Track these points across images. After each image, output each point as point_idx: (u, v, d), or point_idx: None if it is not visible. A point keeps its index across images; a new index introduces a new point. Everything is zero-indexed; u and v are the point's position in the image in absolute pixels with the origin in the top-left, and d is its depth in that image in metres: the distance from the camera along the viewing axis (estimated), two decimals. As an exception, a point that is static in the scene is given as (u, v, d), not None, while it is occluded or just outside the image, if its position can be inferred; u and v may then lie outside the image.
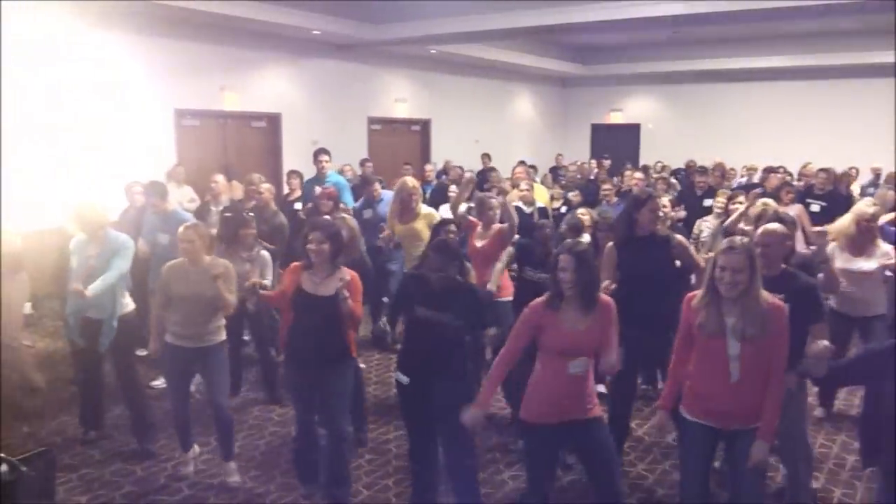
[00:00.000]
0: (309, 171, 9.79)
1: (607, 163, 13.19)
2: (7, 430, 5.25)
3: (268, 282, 5.47)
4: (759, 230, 3.98)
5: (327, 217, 5.77)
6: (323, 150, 8.33)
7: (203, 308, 4.45)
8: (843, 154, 12.64)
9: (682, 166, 13.71)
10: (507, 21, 9.75)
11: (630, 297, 3.96)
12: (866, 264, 5.01)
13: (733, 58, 14.64)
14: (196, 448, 4.86)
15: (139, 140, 9.32)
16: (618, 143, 17.27)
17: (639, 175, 9.36)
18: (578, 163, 12.13)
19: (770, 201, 5.85)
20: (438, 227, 5.48)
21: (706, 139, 15.84)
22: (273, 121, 11.29)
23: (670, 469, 4.80)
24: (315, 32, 10.49)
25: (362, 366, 5.86)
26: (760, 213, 4.59)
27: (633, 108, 17.66)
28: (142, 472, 4.74)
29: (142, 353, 6.26)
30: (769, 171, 10.46)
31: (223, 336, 4.62)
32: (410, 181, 6.56)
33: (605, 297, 3.52)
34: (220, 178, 7.58)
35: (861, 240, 5.03)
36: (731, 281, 3.12)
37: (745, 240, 3.29)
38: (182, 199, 8.79)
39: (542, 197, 8.43)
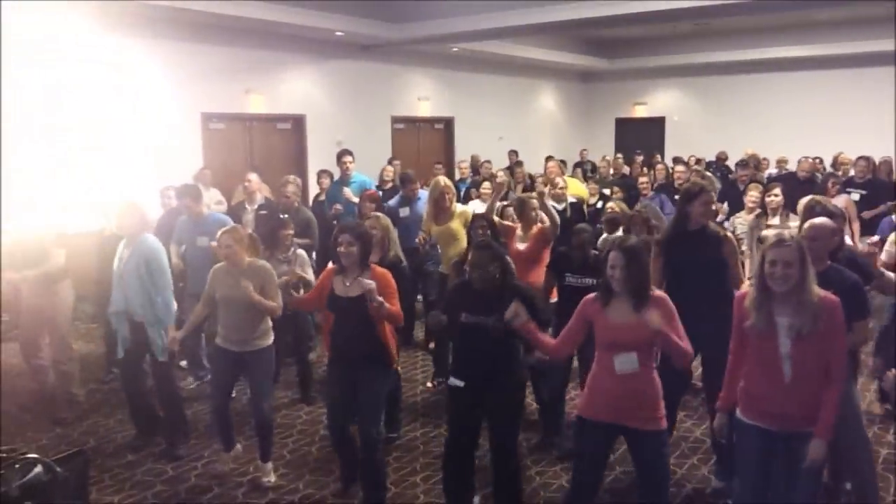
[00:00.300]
0: (336, 173, 9.88)
1: (640, 158, 13.10)
2: (41, 431, 5.36)
3: (310, 277, 5.59)
4: (807, 224, 3.88)
5: (376, 218, 5.76)
6: (346, 152, 8.36)
7: (246, 311, 4.49)
8: (871, 144, 12.43)
9: (714, 159, 13.56)
10: (529, 17, 9.72)
11: (679, 293, 3.74)
12: None
13: (757, 48, 14.47)
14: (238, 447, 4.92)
15: (166, 144, 9.42)
16: (643, 136, 17.12)
17: (681, 168, 9.14)
18: (608, 158, 11.93)
19: (819, 197, 5.75)
20: (471, 226, 5.43)
21: (732, 131, 15.64)
22: (298, 122, 11.37)
23: (698, 463, 4.80)
24: (338, 34, 10.54)
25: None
26: (808, 205, 4.50)
27: (657, 102, 17.51)
28: (172, 471, 4.81)
29: (182, 362, 6.41)
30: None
31: (270, 340, 4.65)
32: (443, 180, 6.48)
33: (658, 292, 3.44)
34: (253, 177, 7.58)
35: None
36: (782, 275, 3.02)
37: (795, 232, 3.21)
38: (209, 201, 8.86)
39: (577, 190, 8.27)
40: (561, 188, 7.42)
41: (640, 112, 17.74)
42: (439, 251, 6.54)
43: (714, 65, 15.56)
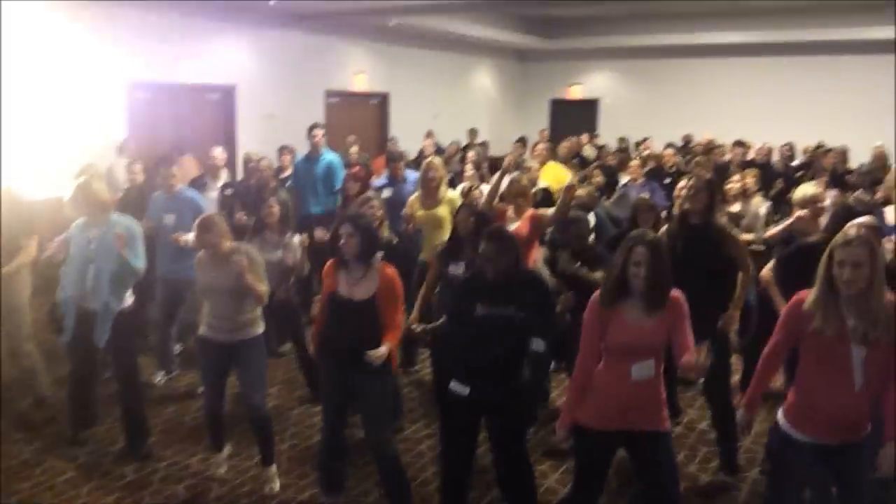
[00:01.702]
0: (260, 145, 9.58)
1: (598, 140, 13.12)
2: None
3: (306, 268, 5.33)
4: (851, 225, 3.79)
5: (367, 199, 5.47)
6: (316, 125, 7.86)
7: (230, 298, 4.21)
8: (800, 130, 12.81)
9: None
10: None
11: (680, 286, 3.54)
12: None
13: (694, 33, 14.60)
14: (228, 448, 4.63)
15: (88, 112, 8.95)
16: (576, 118, 17.19)
17: (670, 151, 9.08)
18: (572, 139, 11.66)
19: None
20: (456, 214, 5.04)
21: (664, 114, 15.86)
22: (228, 93, 10.96)
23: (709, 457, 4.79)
24: (272, 2, 10.17)
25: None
26: (843, 207, 4.47)
27: (592, 83, 17.60)
28: (133, 474, 4.54)
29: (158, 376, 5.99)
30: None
31: (260, 329, 4.37)
32: (436, 161, 6.17)
33: (675, 292, 3.18)
34: (217, 152, 7.09)
35: None
36: (851, 277, 2.80)
37: (865, 230, 2.97)
38: (130, 173, 8.46)
39: (561, 176, 7.71)
40: (535, 169, 7.23)
41: (575, 93, 17.81)
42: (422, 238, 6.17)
43: (648, 48, 15.69)
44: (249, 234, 5.35)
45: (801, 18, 13.43)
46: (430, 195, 6.01)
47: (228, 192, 6.69)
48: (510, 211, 5.47)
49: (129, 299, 4.66)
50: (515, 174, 5.87)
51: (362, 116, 13.72)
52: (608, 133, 15.50)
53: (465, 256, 4.71)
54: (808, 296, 2.96)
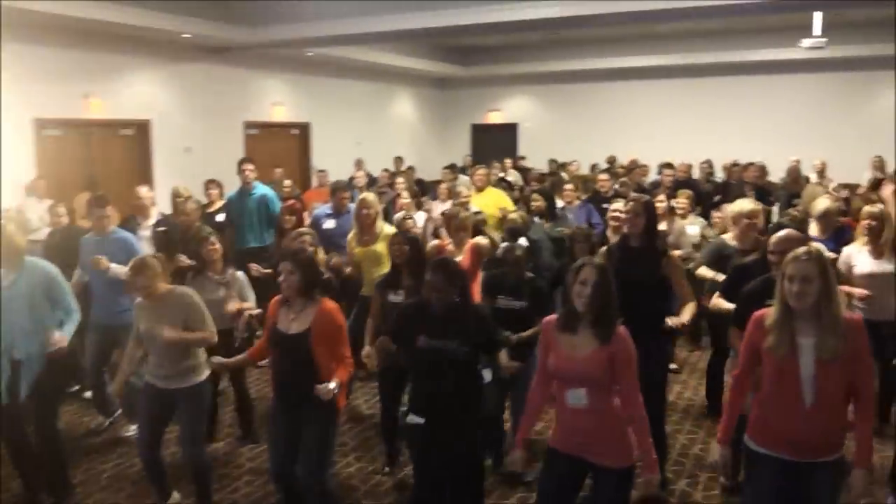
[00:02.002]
0: (179, 180, 9.37)
1: (524, 163, 13.21)
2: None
3: (251, 305, 5.08)
4: (773, 237, 3.93)
5: (300, 234, 5.37)
6: (247, 159, 7.77)
7: (168, 345, 4.05)
8: (711, 148, 13.30)
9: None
10: (383, 25, 9.61)
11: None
12: (888, 265, 5.07)
13: (607, 58, 15.09)
14: (176, 495, 4.40)
15: (-7, 152, 8.62)
16: (497, 142, 17.46)
17: (604, 176, 9.09)
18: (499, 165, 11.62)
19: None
20: (390, 244, 4.98)
21: (584, 136, 16.24)
22: (142, 128, 10.72)
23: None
24: (185, 36, 10.03)
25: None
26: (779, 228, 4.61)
27: (511, 108, 17.92)
28: None
29: (87, 395, 5.88)
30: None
31: (203, 375, 4.20)
32: (370, 197, 6.08)
33: (622, 328, 3.13)
34: (144, 191, 6.84)
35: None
36: (800, 291, 2.83)
37: (815, 246, 3.03)
38: (42, 213, 8.17)
39: (502, 202, 7.75)
40: (465, 197, 7.24)
41: (495, 118, 18.09)
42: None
43: (563, 73, 16.08)
44: (191, 273, 5.20)
45: (709, 42, 14.05)
46: (367, 231, 5.93)
47: (162, 228, 6.49)
48: (450, 245, 5.48)
49: (61, 341, 4.34)
50: (455, 208, 5.87)
51: (284, 147, 13.60)
52: (529, 156, 15.76)
53: (404, 284, 4.72)
54: (768, 314, 2.99)
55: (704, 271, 5.38)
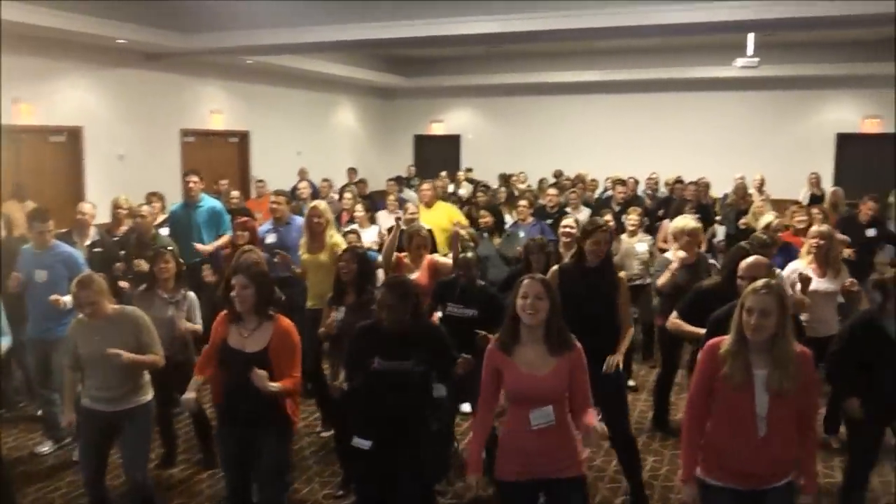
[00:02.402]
0: (112, 188, 9.14)
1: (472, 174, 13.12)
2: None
3: (198, 326, 4.91)
4: (743, 264, 3.97)
5: (244, 252, 5.20)
6: (192, 171, 7.49)
7: (115, 367, 3.87)
8: (647, 163, 13.52)
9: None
10: (325, 34, 9.54)
11: (572, 326, 3.38)
12: (832, 284, 5.22)
13: (548, 72, 15.27)
14: None
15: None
16: (440, 153, 17.52)
17: (553, 191, 9.03)
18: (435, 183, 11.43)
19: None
20: (338, 259, 4.87)
21: (527, 149, 16.41)
22: (73, 135, 10.38)
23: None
24: (120, 41, 9.76)
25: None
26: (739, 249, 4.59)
27: (454, 119, 17.98)
28: None
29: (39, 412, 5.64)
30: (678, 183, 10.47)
31: (148, 395, 4.06)
32: (322, 205, 6.00)
33: (576, 342, 3.15)
34: (87, 207, 6.53)
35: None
36: (757, 325, 2.84)
37: (774, 279, 3.04)
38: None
39: (449, 216, 7.62)
40: (412, 213, 7.17)
41: (437, 129, 18.12)
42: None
43: (506, 86, 16.20)
44: (139, 291, 5.01)
45: (648, 58, 14.38)
46: (316, 239, 5.87)
47: (97, 250, 6.24)
48: (407, 260, 5.44)
49: None
50: (415, 225, 5.83)
51: (222, 155, 13.34)
52: (470, 166, 15.81)
53: (345, 301, 4.65)
54: (723, 342, 2.98)
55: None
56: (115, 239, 6.87)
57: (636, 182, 11.52)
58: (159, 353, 4.07)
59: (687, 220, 5.66)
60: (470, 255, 4.83)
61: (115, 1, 9.12)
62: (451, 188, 12.86)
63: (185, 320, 4.93)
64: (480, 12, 8.73)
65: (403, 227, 6.84)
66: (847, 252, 6.33)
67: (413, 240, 5.50)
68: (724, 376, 2.93)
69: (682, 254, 5.47)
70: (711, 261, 6.89)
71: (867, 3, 7.45)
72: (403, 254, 5.60)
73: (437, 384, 3.58)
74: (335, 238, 5.97)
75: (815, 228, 5.51)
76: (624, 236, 7.19)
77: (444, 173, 13.32)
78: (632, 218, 7.27)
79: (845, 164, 14.73)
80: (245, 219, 6.62)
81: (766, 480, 2.96)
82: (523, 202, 7.89)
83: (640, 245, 7.11)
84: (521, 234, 7.30)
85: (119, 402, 3.98)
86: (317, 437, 5.75)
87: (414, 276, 5.31)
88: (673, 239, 5.64)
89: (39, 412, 5.83)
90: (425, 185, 8.25)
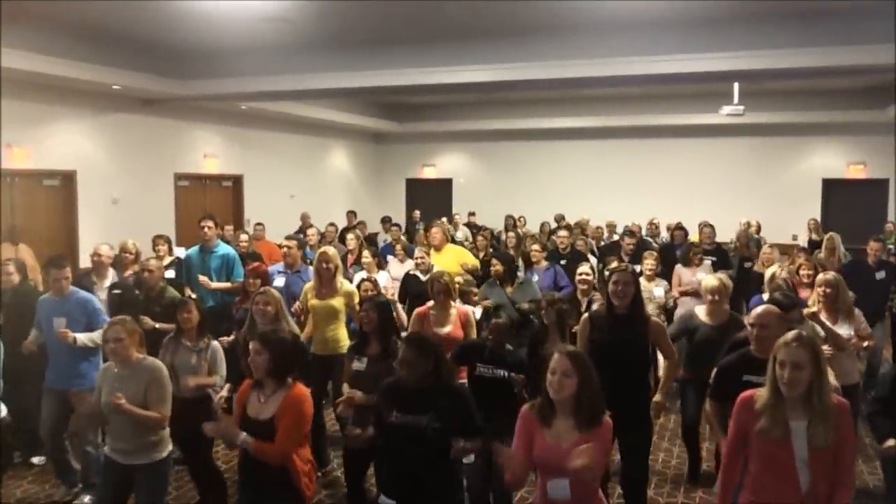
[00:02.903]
0: (105, 231, 9.18)
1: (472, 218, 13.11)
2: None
3: (219, 379, 4.77)
4: (753, 313, 3.88)
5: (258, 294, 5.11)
6: (208, 216, 7.46)
7: (127, 418, 3.84)
8: (637, 207, 13.72)
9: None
10: (319, 82, 9.70)
11: (603, 375, 3.27)
12: (845, 329, 5.17)
13: (538, 118, 15.53)
14: None
15: None
16: (432, 196, 17.67)
17: (563, 233, 8.97)
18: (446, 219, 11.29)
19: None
20: (361, 312, 4.80)
21: (514, 193, 16.60)
22: (67, 178, 10.45)
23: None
24: (116, 87, 9.89)
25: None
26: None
27: (444, 164, 18.18)
28: None
29: (38, 460, 5.66)
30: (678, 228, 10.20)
31: (165, 452, 4.00)
32: (331, 251, 5.98)
33: (607, 420, 3.02)
34: (105, 249, 6.52)
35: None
36: (791, 379, 2.79)
37: (808, 332, 2.99)
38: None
39: (460, 258, 7.54)
40: (420, 258, 7.14)
41: (429, 173, 18.29)
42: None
43: (497, 131, 16.44)
44: (167, 338, 4.97)
45: (635, 106, 14.64)
46: (326, 285, 5.83)
47: (116, 292, 6.20)
48: (433, 311, 5.34)
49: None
50: (439, 272, 5.74)
51: (216, 199, 13.42)
52: (464, 211, 15.93)
53: (368, 352, 4.62)
54: (758, 395, 2.94)
55: None
56: (131, 281, 6.79)
57: (639, 228, 11.66)
58: (164, 414, 3.98)
59: (709, 279, 5.51)
60: (502, 320, 4.71)
61: (112, 47, 9.28)
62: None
63: (205, 371, 4.82)
64: (472, 62, 8.93)
65: (419, 274, 6.90)
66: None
67: (434, 286, 5.38)
68: (761, 429, 2.88)
69: (703, 314, 5.42)
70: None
71: (848, 55, 7.65)
72: (428, 304, 5.46)
73: (464, 444, 3.47)
74: (346, 285, 5.97)
75: (821, 277, 5.47)
76: (641, 280, 7.15)
77: (443, 219, 13.37)
78: (648, 262, 7.31)
79: (832, 208, 14.94)
80: (257, 264, 6.59)
81: None
82: (536, 246, 7.72)
83: (657, 289, 7.15)
84: (536, 279, 7.18)
85: (133, 456, 3.92)
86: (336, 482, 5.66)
87: (445, 330, 5.25)
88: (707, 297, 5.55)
89: (35, 459, 5.81)
90: (434, 228, 8.14)
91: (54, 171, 10.28)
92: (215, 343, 4.94)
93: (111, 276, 6.46)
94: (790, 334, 2.91)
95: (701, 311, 5.46)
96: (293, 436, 3.55)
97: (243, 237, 9.18)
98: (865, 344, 5.33)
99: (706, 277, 5.67)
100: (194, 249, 7.54)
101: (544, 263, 7.51)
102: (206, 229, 7.31)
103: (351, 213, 14.03)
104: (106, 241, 7.54)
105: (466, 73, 9.04)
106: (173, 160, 12.21)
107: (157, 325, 5.72)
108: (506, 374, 4.49)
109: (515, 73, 8.89)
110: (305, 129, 15.29)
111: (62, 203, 10.44)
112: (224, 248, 7.45)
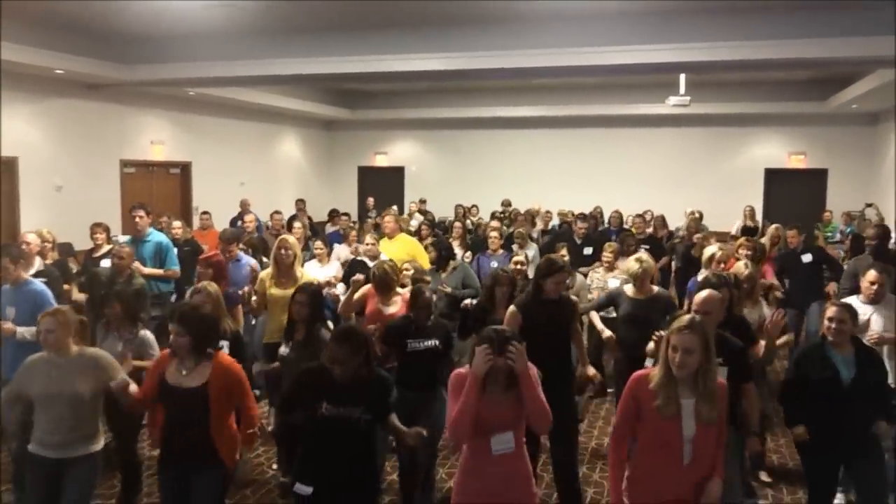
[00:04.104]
0: (48, 219, 8.97)
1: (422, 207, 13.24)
2: None
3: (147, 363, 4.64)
4: (698, 297, 4.03)
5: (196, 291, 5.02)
6: (139, 205, 7.49)
7: (72, 409, 3.76)
8: (587, 196, 13.92)
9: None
10: (268, 68, 9.60)
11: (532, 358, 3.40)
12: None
13: (490, 107, 15.60)
14: None
15: None
16: (384, 184, 17.64)
17: (494, 224, 9.16)
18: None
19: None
20: (292, 299, 4.82)
21: (465, 181, 16.69)
22: (9, 165, 10.15)
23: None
24: (58, 72, 9.64)
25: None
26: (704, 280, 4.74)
27: (396, 152, 18.14)
28: None
29: None
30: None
31: (99, 444, 3.92)
32: (290, 239, 5.94)
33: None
34: (31, 237, 6.36)
35: None
36: (681, 362, 3.00)
37: (699, 318, 3.20)
38: None
39: (410, 250, 7.47)
40: (370, 244, 7.16)
41: (381, 161, 18.25)
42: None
43: (448, 120, 16.48)
44: (101, 328, 4.89)
45: (584, 95, 14.82)
46: (285, 273, 5.78)
47: (42, 280, 5.92)
48: (377, 300, 5.40)
49: None
50: (380, 263, 5.74)
51: (163, 186, 13.19)
52: (414, 198, 15.96)
53: (296, 337, 4.68)
54: (652, 375, 3.13)
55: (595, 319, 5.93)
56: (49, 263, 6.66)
57: (601, 214, 11.82)
58: (128, 382, 3.95)
59: (631, 265, 5.66)
60: (428, 295, 4.83)
61: (55, 31, 9.04)
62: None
63: (129, 358, 4.71)
64: (424, 50, 8.94)
65: (366, 259, 6.93)
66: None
67: (378, 280, 5.42)
68: (656, 407, 3.06)
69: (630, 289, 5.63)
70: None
71: (791, 48, 7.88)
72: (373, 297, 5.50)
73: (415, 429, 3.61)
74: (306, 274, 5.97)
75: (741, 271, 5.56)
76: (600, 270, 7.31)
77: (394, 207, 13.31)
78: (606, 255, 7.33)
79: (774, 197, 15.38)
80: (211, 253, 6.51)
81: None
82: (494, 234, 8.04)
83: (613, 281, 7.06)
84: (495, 264, 7.47)
85: (67, 449, 3.83)
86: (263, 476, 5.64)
87: (391, 310, 5.34)
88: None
89: None
90: (388, 217, 8.19)
91: (-6, 158, 10.00)
92: (145, 332, 4.90)
93: (37, 263, 6.29)
94: (684, 319, 3.11)
95: (629, 289, 5.69)
96: (249, 396, 3.75)
97: (176, 223, 9.04)
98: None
99: (630, 263, 5.79)
100: (127, 239, 7.57)
101: (501, 251, 7.92)
102: (136, 218, 7.43)
103: (300, 202, 13.89)
104: (50, 228, 7.42)
105: (418, 62, 9.04)
106: (119, 147, 11.95)
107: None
108: (436, 343, 4.70)
109: (467, 62, 8.92)
110: (256, 115, 15.11)
111: (3, 190, 10.14)
112: (157, 236, 7.51)
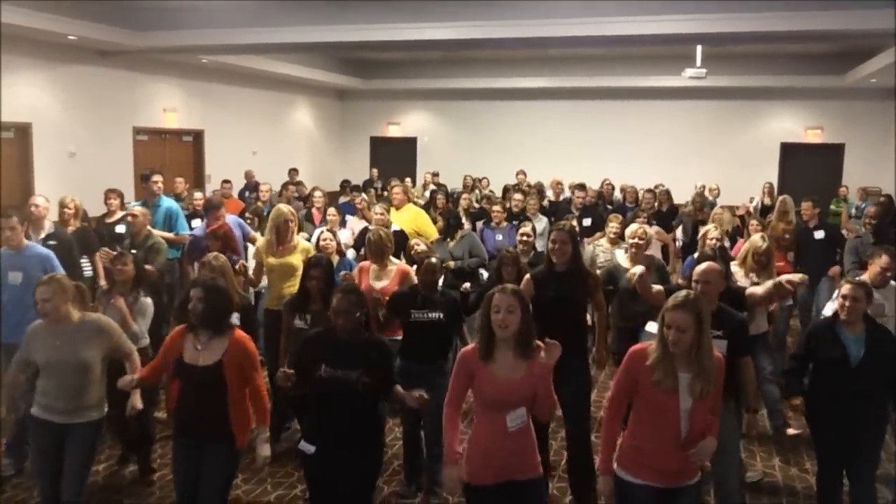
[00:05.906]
0: (62, 185, 9.02)
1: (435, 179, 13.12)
2: None
3: (137, 329, 4.76)
4: (698, 269, 4.04)
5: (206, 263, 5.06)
6: (154, 171, 7.67)
7: (77, 376, 3.80)
8: (602, 169, 13.82)
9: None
10: (281, 36, 9.57)
11: (545, 330, 3.44)
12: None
13: (503, 78, 15.46)
14: None
15: None
16: (396, 155, 17.59)
17: (519, 196, 9.12)
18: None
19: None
20: (305, 270, 4.88)
21: (477, 152, 16.62)
22: (22, 131, 10.20)
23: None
24: (72, 38, 9.64)
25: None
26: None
27: (409, 123, 18.06)
28: None
29: None
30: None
31: (101, 413, 3.95)
32: (286, 208, 5.91)
33: (540, 343, 3.25)
34: (40, 201, 6.41)
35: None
36: (675, 340, 3.04)
37: (692, 294, 3.21)
38: None
39: (417, 221, 7.52)
40: (379, 213, 7.15)
41: (394, 132, 18.18)
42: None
43: (461, 90, 16.36)
44: (101, 290, 4.93)
45: (599, 67, 14.65)
46: (283, 242, 5.78)
47: (52, 243, 6.05)
48: (373, 267, 5.42)
49: None
50: (375, 229, 5.77)
51: (175, 154, 13.22)
52: (428, 169, 15.89)
53: (311, 309, 4.71)
54: (650, 350, 3.16)
55: None
56: (71, 231, 6.75)
57: (612, 188, 11.75)
58: (132, 350, 4.07)
59: (632, 225, 5.73)
60: (433, 260, 4.86)
61: (67, -3, 9.03)
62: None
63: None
64: (438, 19, 8.86)
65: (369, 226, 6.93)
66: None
67: (372, 245, 5.47)
68: (654, 382, 3.10)
69: (640, 269, 5.59)
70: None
71: (810, 20, 7.76)
72: (366, 262, 5.57)
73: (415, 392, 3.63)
74: (303, 243, 5.97)
75: (758, 245, 5.60)
76: (603, 242, 7.22)
77: (408, 179, 13.29)
78: (612, 226, 7.20)
79: (789, 172, 15.23)
80: (217, 225, 6.53)
81: (682, 477, 3.17)
82: (497, 207, 8.17)
83: (619, 252, 7.04)
84: (499, 237, 7.64)
85: (70, 415, 3.87)
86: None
87: (381, 284, 5.33)
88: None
89: None
90: (396, 188, 8.18)
91: (8, 124, 10.00)
92: (145, 299, 4.92)
93: (47, 227, 6.34)
94: (679, 296, 3.13)
95: (623, 258, 5.66)
96: (257, 371, 3.75)
97: (197, 194, 9.07)
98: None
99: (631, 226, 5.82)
100: (138, 204, 7.57)
101: (505, 224, 7.96)
102: (155, 184, 7.62)
103: (293, 171, 13.72)
104: (63, 194, 7.46)
105: (430, 31, 8.98)
106: (132, 114, 11.97)
107: (147, 268, 5.63)
108: (440, 315, 4.68)
109: (480, 32, 8.86)
110: (268, 84, 15.06)
111: (17, 156, 10.20)
112: (167, 202, 7.64)
